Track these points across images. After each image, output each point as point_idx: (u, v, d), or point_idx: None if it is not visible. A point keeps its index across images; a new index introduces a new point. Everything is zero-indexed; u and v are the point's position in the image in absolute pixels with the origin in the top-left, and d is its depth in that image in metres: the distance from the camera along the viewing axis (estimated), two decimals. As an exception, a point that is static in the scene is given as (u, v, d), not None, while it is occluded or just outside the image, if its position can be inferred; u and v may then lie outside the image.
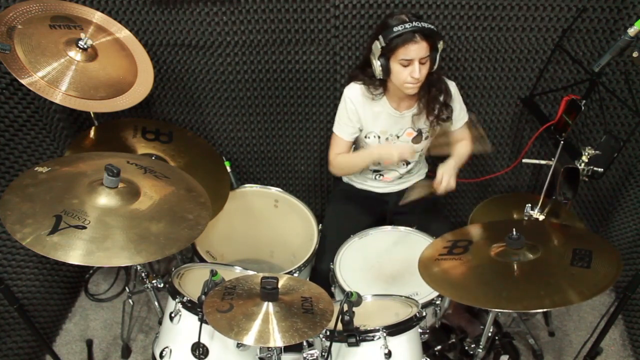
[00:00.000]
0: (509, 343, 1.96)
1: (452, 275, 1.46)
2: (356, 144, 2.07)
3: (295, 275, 1.83)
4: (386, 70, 1.71)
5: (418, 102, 1.88)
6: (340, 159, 1.99)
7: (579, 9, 1.94)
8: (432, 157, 2.12)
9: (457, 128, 1.99)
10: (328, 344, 1.43)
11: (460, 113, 1.96)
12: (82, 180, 1.44)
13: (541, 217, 1.83)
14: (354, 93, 1.87)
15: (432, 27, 1.66)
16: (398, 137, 1.93)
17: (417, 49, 1.65)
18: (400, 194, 2.11)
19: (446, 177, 1.82)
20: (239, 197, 2.15)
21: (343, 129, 1.93)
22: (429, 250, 1.63)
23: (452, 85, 1.90)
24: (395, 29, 1.61)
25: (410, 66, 1.67)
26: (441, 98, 1.86)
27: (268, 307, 1.28)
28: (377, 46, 1.66)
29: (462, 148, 2.00)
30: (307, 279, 1.96)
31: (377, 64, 1.70)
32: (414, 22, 1.62)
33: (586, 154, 1.80)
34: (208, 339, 1.47)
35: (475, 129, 2.01)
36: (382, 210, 2.14)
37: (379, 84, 1.82)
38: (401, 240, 1.96)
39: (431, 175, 2.12)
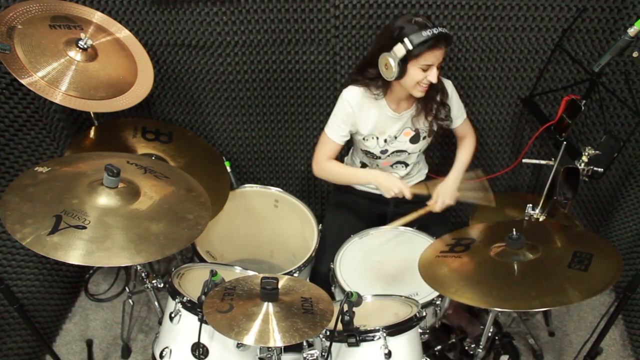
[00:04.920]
0: (509, 343, 1.96)
1: (451, 274, 1.46)
2: (354, 144, 2.07)
3: (295, 275, 1.83)
4: (402, 72, 1.68)
5: (416, 103, 1.88)
6: (332, 167, 1.96)
7: (579, 9, 1.94)
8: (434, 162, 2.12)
9: (457, 125, 2.00)
10: (328, 344, 1.43)
11: (458, 110, 1.97)
12: (82, 180, 1.44)
13: (542, 217, 1.83)
14: (353, 96, 1.85)
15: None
16: (396, 137, 1.92)
17: (439, 55, 1.66)
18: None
19: (441, 200, 1.90)
20: (239, 197, 2.15)
21: (335, 130, 1.91)
22: (429, 250, 1.63)
23: (449, 84, 1.90)
24: (424, 33, 1.59)
25: (428, 70, 1.68)
26: (438, 97, 1.86)
27: (268, 307, 1.28)
28: (400, 49, 1.62)
29: (464, 154, 2.02)
30: (307, 280, 1.96)
31: (394, 66, 1.66)
32: (439, 28, 1.61)
33: (586, 154, 1.80)
34: (208, 339, 1.47)
35: (483, 186, 2.01)
36: (382, 211, 2.14)
37: (381, 84, 1.81)
38: (401, 240, 1.96)
39: (433, 176, 2.13)
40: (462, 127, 2.02)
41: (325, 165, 1.97)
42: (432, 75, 1.69)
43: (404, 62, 1.65)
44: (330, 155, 1.96)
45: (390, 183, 1.86)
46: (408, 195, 1.85)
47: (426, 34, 1.59)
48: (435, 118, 1.89)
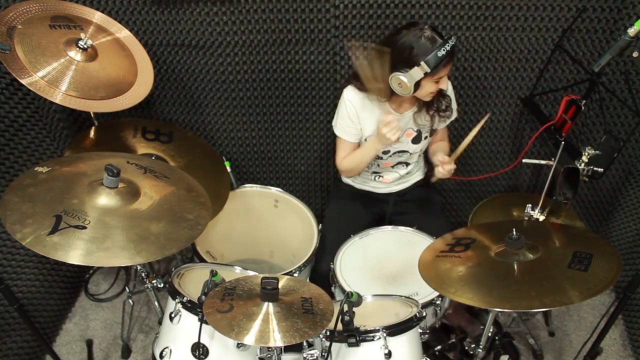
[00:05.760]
0: (509, 343, 1.96)
1: (451, 274, 1.46)
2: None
3: (295, 275, 1.83)
4: (417, 88, 1.69)
5: (418, 101, 1.88)
6: (347, 161, 1.98)
7: (579, 9, 1.94)
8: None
9: (444, 125, 2.02)
10: (328, 344, 1.43)
11: (452, 111, 1.98)
12: (82, 180, 1.44)
13: (542, 218, 1.83)
14: (353, 96, 1.85)
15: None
16: (398, 138, 1.92)
17: (451, 65, 1.69)
18: (400, 194, 2.11)
19: (444, 168, 1.85)
20: (239, 197, 2.15)
21: (346, 130, 1.92)
22: (429, 250, 1.63)
23: (448, 84, 1.90)
24: (439, 53, 1.59)
25: (440, 80, 1.70)
26: None
27: (268, 307, 1.28)
28: (418, 72, 1.62)
29: (443, 149, 2.03)
30: (307, 279, 1.96)
31: (411, 86, 1.65)
32: (449, 41, 1.61)
33: (586, 154, 1.80)
34: (208, 339, 1.47)
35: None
36: (381, 210, 2.14)
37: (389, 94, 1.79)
38: (401, 240, 1.96)
39: (432, 174, 2.13)
40: (444, 130, 2.05)
41: (344, 165, 1.98)
42: (444, 84, 1.72)
43: (418, 80, 1.66)
44: (348, 155, 1.98)
45: (387, 135, 1.77)
46: (398, 125, 1.78)
47: (442, 53, 1.59)
48: (437, 110, 1.89)
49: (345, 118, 1.89)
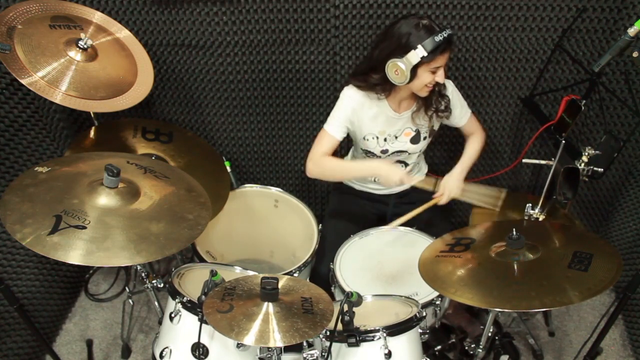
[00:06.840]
0: (509, 343, 1.96)
1: (451, 274, 1.46)
2: (354, 145, 2.06)
3: (295, 275, 1.83)
4: (413, 77, 1.68)
5: (417, 100, 1.88)
6: (327, 162, 1.92)
7: (579, 9, 1.94)
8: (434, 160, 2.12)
9: (463, 124, 2.01)
10: (328, 344, 1.44)
11: (462, 109, 1.98)
12: (82, 180, 1.44)
13: (541, 217, 1.83)
14: (354, 94, 1.85)
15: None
16: (396, 137, 1.92)
17: (448, 56, 1.68)
18: (400, 195, 2.11)
19: (447, 193, 1.91)
20: (239, 197, 2.15)
21: (337, 126, 1.88)
22: (429, 250, 1.63)
23: (449, 84, 1.90)
24: (436, 39, 1.59)
25: (437, 72, 1.70)
26: (436, 89, 1.86)
27: (268, 307, 1.28)
28: (414, 56, 1.62)
29: (471, 148, 2.03)
30: (307, 279, 1.96)
31: (407, 72, 1.65)
32: (446, 30, 1.62)
33: (586, 154, 1.80)
34: (208, 339, 1.47)
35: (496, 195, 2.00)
36: (381, 211, 2.14)
37: (386, 88, 1.80)
38: (401, 240, 1.96)
39: (432, 175, 2.13)
40: (469, 124, 2.03)
41: (321, 161, 1.91)
42: (440, 76, 1.71)
43: (414, 68, 1.66)
44: (327, 152, 1.92)
45: (390, 173, 1.84)
46: (408, 181, 1.87)
47: (438, 39, 1.59)
48: (436, 111, 1.88)
49: (341, 114, 1.86)
